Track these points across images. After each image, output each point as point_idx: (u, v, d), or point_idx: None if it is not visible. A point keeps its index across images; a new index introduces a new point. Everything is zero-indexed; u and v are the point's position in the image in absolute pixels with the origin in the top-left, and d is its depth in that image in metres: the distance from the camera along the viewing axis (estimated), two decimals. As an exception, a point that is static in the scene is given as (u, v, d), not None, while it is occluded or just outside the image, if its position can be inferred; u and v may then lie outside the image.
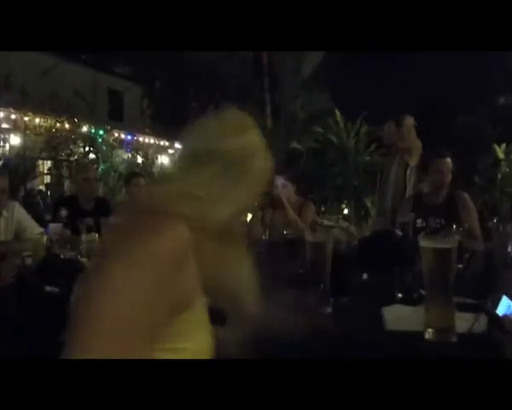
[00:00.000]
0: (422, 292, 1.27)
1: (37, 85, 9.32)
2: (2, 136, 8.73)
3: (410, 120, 3.72)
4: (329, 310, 1.29)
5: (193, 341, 0.75)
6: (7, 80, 8.78)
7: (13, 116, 8.60)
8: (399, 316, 1.23)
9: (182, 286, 0.70)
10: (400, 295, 1.38)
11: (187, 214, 0.71)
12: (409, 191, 3.53)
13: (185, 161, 0.83)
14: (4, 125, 8.77)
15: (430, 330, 1.06)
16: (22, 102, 8.48)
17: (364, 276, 1.73)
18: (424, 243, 1.08)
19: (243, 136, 0.83)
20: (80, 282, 0.74)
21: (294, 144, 5.97)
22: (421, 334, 1.07)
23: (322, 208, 5.60)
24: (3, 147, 8.76)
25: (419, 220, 2.54)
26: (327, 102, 6.40)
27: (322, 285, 1.30)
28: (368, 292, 1.55)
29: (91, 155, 10.08)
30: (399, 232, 2.08)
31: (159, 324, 0.67)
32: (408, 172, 3.62)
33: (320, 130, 5.75)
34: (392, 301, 1.36)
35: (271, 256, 2.47)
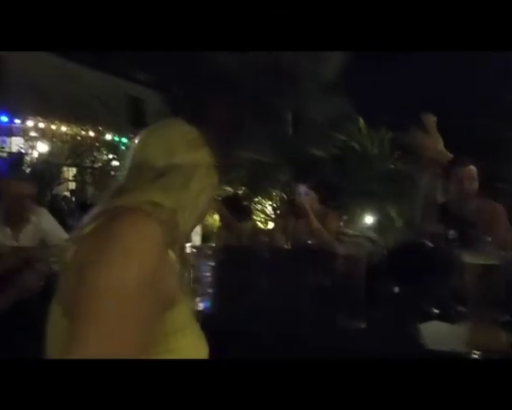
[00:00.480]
0: (460, 308, 1.23)
1: (60, 93, 9.52)
2: (31, 143, 8.94)
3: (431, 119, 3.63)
4: (363, 325, 1.26)
5: (185, 339, 0.76)
6: (34, 89, 8.99)
7: (41, 125, 8.80)
8: (438, 334, 1.19)
9: (166, 281, 0.71)
10: (436, 310, 1.34)
11: (160, 220, 0.72)
12: (436, 202, 3.45)
13: (142, 174, 0.83)
14: (32, 134, 8.98)
15: (475, 350, 1.01)
16: (49, 110, 8.66)
17: (395, 289, 1.68)
18: (469, 258, 1.03)
19: (199, 150, 0.88)
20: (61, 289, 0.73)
21: (315, 152, 5.92)
22: (463, 354, 1.03)
23: (345, 217, 5.53)
24: (31, 154, 8.96)
25: (451, 232, 2.48)
26: (348, 107, 6.33)
27: (354, 299, 1.26)
28: (401, 307, 1.50)
29: (115, 163, 10.22)
30: (430, 244, 2.02)
31: (152, 321, 0.68)
32: (437, 182, 3.54)
33: (342, 137, 5.69)
34: (427, 317, 1.32)
35: (294, 266, 2.44)
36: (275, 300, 1.71)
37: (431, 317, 1.33)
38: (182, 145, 0.86)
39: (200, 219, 0.92)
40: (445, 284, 1.50)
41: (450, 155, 3.57)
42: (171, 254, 0.77)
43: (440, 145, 3.60)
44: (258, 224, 5.96)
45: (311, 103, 6.25)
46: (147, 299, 0.65)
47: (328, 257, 2.19)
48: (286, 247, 3.33)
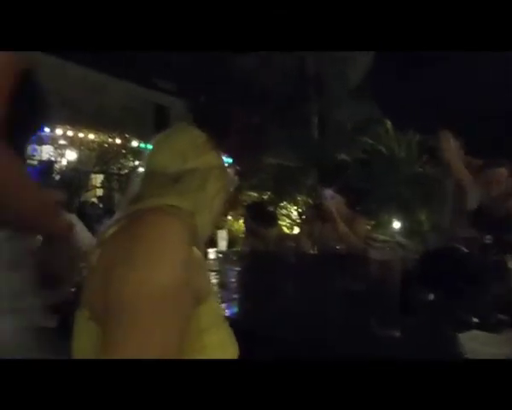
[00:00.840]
0: (502, 317, 1.17)
1: (89, 103, 9.73)
2: (60, 151, 9.17)
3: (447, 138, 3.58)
4: (398, 333, 1.21)
5: (217, 334, 0.76)
6: (62, 99, 9.22)
7: (69, 133, 9.01)
8: (477, 343, 1.13)
9: (196, 277, 0.71)
10: (475, 319, 1.27)
11: (181, 219, 0.73)
12: (469, 207, 3.37)
13: (156, 181, 0.84)
14: (61, 142, 9.21)
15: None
16: (77, 119, 8.87)
17: (429, 296, 1.62)
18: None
19: (209, 153, 0.88)
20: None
21: (342, 155, 5.85)
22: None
23: (372, 222, 5.45)
24: (61, 162, 9.19)
25: (488, 236, 2.39)
26: (375, 111, 6.24)
27: (388, 306, 1.21)
28: (437, 314, 1.44)
29: (141, 169, 10.36)
30: (464, 249, 1.95)
31: (186, 319, 0.67)
32: (466, 187, 3.45)
33: (369, 140, 5.60)
34: (466, 325, 1.25)
35: (321, 271, 2.40)
36: (301, 305, 1.68)
37: (469, 326, 1.26)
38: (192, 150, 0.87)
39: (216, 222, 0.93)
40: (483, 290, 1.43)
41: (477, 161, 3.49)
42: (197, 251, 0.76)
43: (459, 164, 3.53)
44: (284, 229, 5.92)
45: (337, 106, 6.19)
46: (180, 297, 0.65)
47: (356, 262, 2.14)
48: (312, 252, 3.29)
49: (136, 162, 10.37)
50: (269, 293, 1.86)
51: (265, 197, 6.42)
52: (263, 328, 1.36)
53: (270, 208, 4.94)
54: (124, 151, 10.11)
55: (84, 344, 0.71)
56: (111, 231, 0.71)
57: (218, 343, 0.76)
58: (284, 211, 6.55)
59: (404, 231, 4.72)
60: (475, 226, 2.49)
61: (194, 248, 0.75)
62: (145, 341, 0.60)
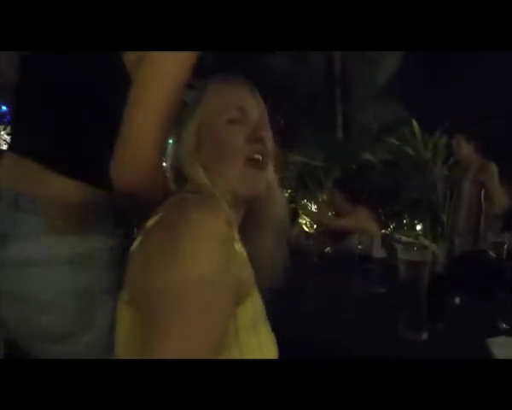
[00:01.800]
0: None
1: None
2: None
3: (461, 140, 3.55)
4: (425, 336, 1.19)
5: (256, 336, 0.73)
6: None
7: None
8: (507, 349, 1.10)
9: (237, 271, 0.69)
10: (505, 326, 1.24)
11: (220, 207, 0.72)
12: (485, 211, 3.32)
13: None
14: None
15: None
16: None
17: (457, 301, 1.59)
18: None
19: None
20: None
21: (367, 156, 5.79)
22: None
23: (393, 224, 5.38)
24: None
25: (516, 241, 2.32)
26: (401, 112, 6.15)
27: (416, 309, 1.19)
28: (465, 319, 1.41)
29: (163, 164, 10.46)
30: (493, 253, 1.90)
31: (227, 314, 0.65)
32: (483, 191, 3.40)
33: (395, 141, 5.52)
34: (495, 331, 1.22)
35: (342, 271, 2.37)
36: (324, 305, 1.66)
37: (498, 331, 1.23)
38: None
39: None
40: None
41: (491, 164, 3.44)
42: (238, 245, 0.74)
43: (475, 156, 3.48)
44: (304, 227, 5.89)
45: (363, 107, 6.13)
46: (222, 290, 0.62)
47: (381, 263, 2.11)
48: (332, 251, 3.27)
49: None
50: (291, 291, 1.85)
51: (287, 195, 6.40)
52: (286, 327, 1.35)
53: (292, 205, 4.92)
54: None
55: (119, 326, 0.72)
56: (153, 220, 0.68)
57: (257, 345, 0.72)
58: (305, 210, 6.51)
59: (429, 233, 4.64)
60: (503, 231, 2.43)
61: (236, 243, 0.72)
62: (189, 328, 0.58)
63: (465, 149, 3.54)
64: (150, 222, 0.69)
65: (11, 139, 1.01)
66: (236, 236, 0.77)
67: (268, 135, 0.90)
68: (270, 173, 0.91)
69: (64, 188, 0.85)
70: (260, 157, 0.86)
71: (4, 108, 8.15)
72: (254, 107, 0.90)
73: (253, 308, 0.74)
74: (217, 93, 0.90)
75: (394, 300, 1.33)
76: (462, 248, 2.62)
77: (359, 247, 3.01)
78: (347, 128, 6.39)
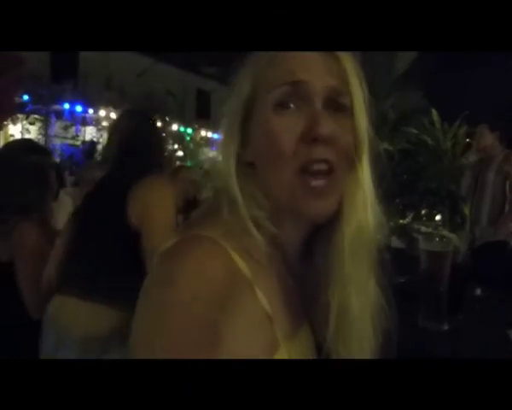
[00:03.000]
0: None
1: (133, 86, 9.93)
2: (103, 133, 9.42)
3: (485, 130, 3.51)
4: (446, 327, 1.18)
5: None
6: (108, 81, 9.46)
7: (112, 115, 9.24)
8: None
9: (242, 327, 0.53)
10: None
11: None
12: (509, 202, 3.27)
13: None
14: (104, 123, 9.46)
15: None
16: (120, 101, 9.08)
17: (478, 291, 1.57)
18: None
19: None
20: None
21: (385, 145, 5.71)
22: None
23: (411, 214, 5.31)
24: (103, 143, 9.45)
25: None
26: (420, 101, 6.04)
27: (437, 299, 1.18)
28: (486, 310, 1.39)
29: (180, 153, 10.53)
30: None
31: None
32: (508, 181, 3.35)
33: (413, 130, 5.44)
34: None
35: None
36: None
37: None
38: None
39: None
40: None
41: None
42: (261, 296, 0.57)
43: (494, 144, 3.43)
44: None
45: (381, 95, 6.05)
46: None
47: (402, 253, 2.09)
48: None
49: (176, 146, 10.51)
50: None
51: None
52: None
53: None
54: (164, 134, 10.28)
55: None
56: (163, 248, 0.56)
57: None
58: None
59: (448, 224, 4.58)
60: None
61: (259, 292, 0.57)
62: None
63: (489, 138, 3.51)
64: (161, 249, 0.57)
65: None
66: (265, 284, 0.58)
67: (344, 128, 0.61)
68: (343, 186, 0.62)
69: None
70: (323, 167, 0.59)
71: (26, 97, 8.29)
72: (328, 79, 0.60)
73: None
74: (270, 57, 0.63)
75: (414, 290, 1.32)
76: (483, 239, 2.60)
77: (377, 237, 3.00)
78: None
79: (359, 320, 0.63)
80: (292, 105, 0.60)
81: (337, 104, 0.61)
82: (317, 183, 0.58)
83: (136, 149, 1.62)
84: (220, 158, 0.64)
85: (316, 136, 0.57)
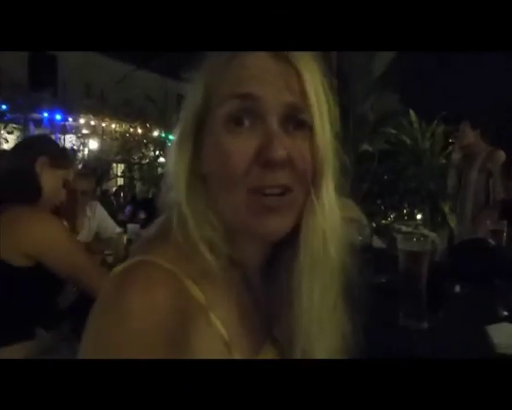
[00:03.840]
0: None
1: (113, 92, 9.85)
2: (82, 141, 9.32)
3: (467, 127, 3.51)
4: (426, 325, 1.20)
5: None
6: (88, 89, 9.37)
7: (92, 122, 9.15)
8: (508, 336, 1.11)
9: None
10: (506, 313, 1.26)
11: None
12: (492, 200, 3.31)
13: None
14: (84, 131, 9.36)
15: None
16: (100, 108, 8.99)
17: (457, 289, 1.60)
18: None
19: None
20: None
21: (365, 146, 5.78)
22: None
23: (393, 214, 5.39)
24: (83, 151, 9.34)
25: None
26: (399, 102, 6.13)
27: (417, 298, 1.21)
28: (465, 307, 1.42)
29: (161, 159, 10.46)
30: (492, 241, 1.91)
31: None
32: (491, 179, 3.38)
33: (392, 131, 5.53)
34: (495, 318, 1.24)
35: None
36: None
37: (500, 319, 1.25)
38: None
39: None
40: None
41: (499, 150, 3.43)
42: (216, 321, 0.55)
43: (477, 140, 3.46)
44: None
45: (360, 97, 6.11)
46: None
47: (381, 253, 2.12)
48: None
49: (157, 152, 10.45)
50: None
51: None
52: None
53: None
54: (145, 141, 10.21)
55: None
56: (112, 274, 0.54)
57: None
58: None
59: (428, 223, 4.66)
60: (502, 218, 2.44)
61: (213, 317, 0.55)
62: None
63: (471, 136, 3.50)
64: (117, 269, 0.55)
65: None
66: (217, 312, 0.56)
67: (303, 147, 0.57)
68: (302, 204, 0.58)
69: None
70: (276, 191, 0.55)
71: (4, 106, 8.14)
72: (285, 95, 0.55)
73: None
74: (224, 63, 0.58)
75: (395, 289, 1.34)
76: (461, 237, 2.64)
77: (359, 237, 3.03)
78: (345, 119, 6.39)
79: (323, 339, 0.62)
80: (246, 122, 0.55)
81: (296, 121, 0.56)
82: (271, 202, 0.55)
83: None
84: (172, 171, 0.60)
85: (269, 160, 0.53)
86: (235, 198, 0.55)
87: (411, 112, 5.49)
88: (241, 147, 0.54)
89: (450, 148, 5.34)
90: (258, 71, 0.56)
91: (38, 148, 1.67)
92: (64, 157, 1.81)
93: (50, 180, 1.65)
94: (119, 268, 0.54)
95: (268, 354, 0.63)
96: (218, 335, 0.55)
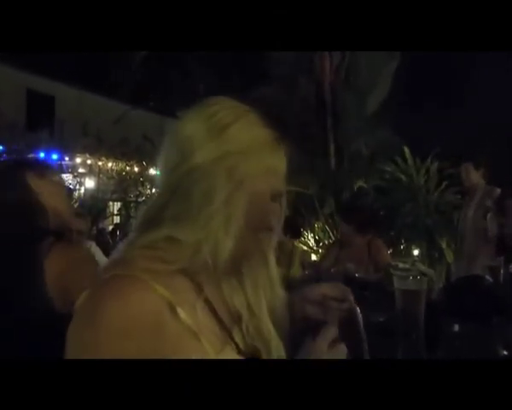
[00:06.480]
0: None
1: (110, 132, 9.96)
2: (78, 180, 9.34)
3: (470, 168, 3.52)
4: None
5: None
6: (85, 127, 9.47)
7: (88, 161, 9.20)
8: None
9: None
10: (505, 352, 1.23)
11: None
12: (491, 236, 3.30)
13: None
14: (81, 170, 9.39)
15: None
16: (97, 147, 9.06)
17: (455, 328, 1.57)
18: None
19: (218, 137, 0.63)
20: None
21: (360, 183, 5.82)
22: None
23: (390, 250, 5.36)
24: (79, 190, 9.35)
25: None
26: (392, 138, 6.24)
27: (413, 336, 1.18)
28: (464, 346, 1.39)
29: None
30: (489, 278, 1.89)
31: None
32: (488, 216, 3.38)
33: (387, 168, 5.58)
34: (494, 356, 1.21)
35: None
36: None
37: (497, 356, 1.22)
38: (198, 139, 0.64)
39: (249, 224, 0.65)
40: (510, 320, 1.38)
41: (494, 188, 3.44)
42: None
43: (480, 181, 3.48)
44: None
45: (354, 134, 6.20)
46: None
47: (378, 290, 2.09)
48: (328, 277, 3.25)
49: (154, 190, 10.46)
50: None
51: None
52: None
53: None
54: (141, 179, 10.24)
55: None
56: (86, 292, 0.59)
57: None
58: (301, 238, 6.51)
59: (426, 259, 4.63)
60: (499, 255, 2.43)
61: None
62: None
63: (475, 177, 3.47)
64: (79, 302, 0.59)
65: None
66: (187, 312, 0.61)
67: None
68: None
69: None
70: None
71: (0, 147, 8.20)
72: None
73: None
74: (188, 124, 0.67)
75: (393, 327, 1.31)
76: (459, 273, 2.62)
77: (356, 275, 2.99)
78: (340, 156, 6.46)
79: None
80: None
81: None
82: None
83: None
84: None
85: None
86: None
87: (405, 149, 5.57)
88: None
89: (444, 184, 5.39)
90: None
91: (15, 167, 1.29)
92: (44, 165, 1.49)
93: (50, 190, 1.27)
94: (92, 286, 0.59)
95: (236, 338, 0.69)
96: (187, 327, 0.60)
